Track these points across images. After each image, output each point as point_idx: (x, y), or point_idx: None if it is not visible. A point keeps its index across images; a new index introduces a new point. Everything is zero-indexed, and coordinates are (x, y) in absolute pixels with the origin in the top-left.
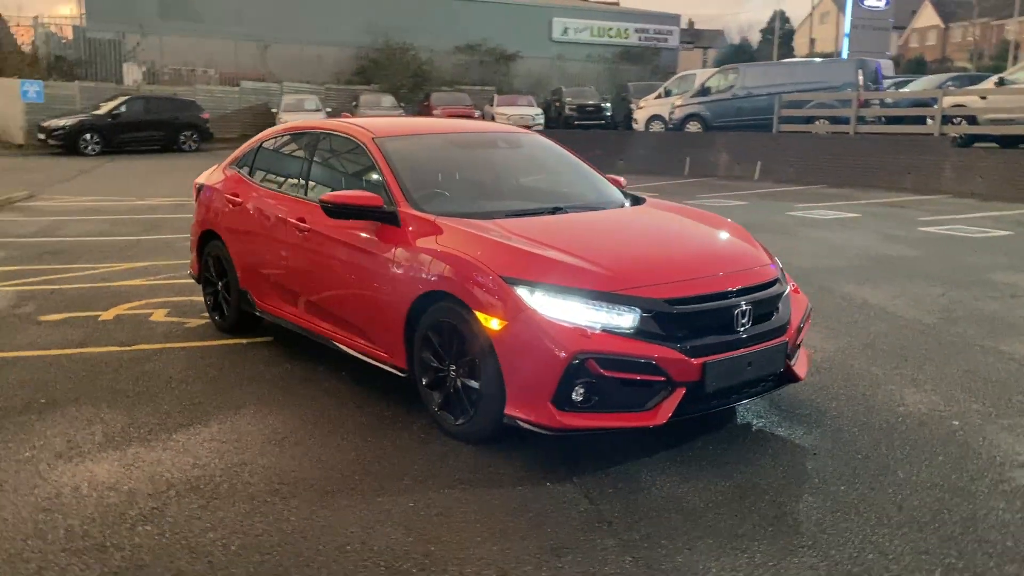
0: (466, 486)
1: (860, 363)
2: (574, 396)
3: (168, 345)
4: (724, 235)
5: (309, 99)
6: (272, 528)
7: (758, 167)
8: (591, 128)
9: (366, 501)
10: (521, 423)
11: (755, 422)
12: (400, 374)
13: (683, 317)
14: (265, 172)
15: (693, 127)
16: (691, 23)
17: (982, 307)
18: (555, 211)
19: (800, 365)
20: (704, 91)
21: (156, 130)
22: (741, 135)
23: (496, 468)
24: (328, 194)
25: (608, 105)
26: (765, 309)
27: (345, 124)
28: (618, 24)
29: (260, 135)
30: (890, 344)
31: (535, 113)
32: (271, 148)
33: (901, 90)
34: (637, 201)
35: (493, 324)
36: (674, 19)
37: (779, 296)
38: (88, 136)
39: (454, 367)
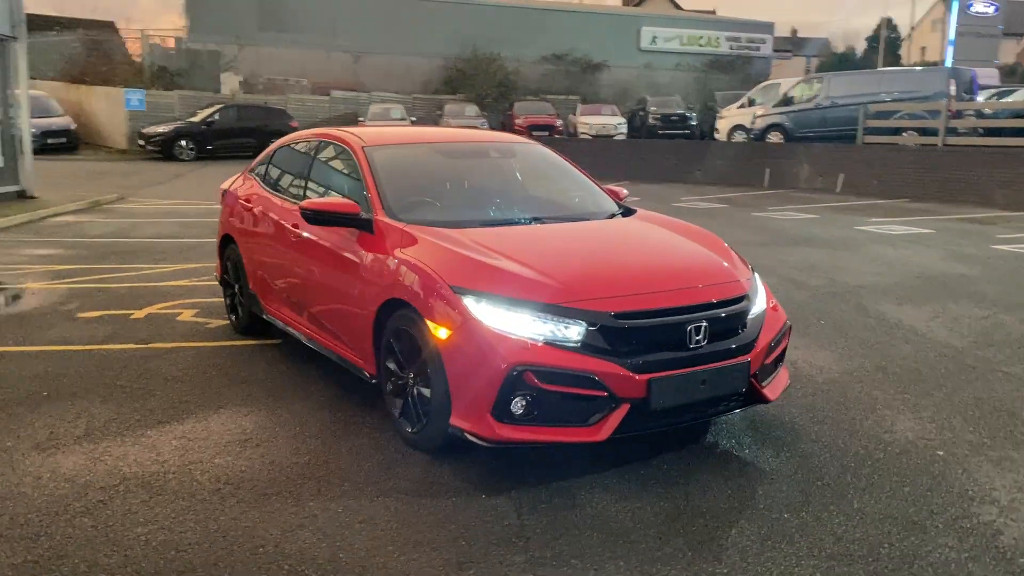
0: (401, 495)
1: (864, 386)
2: (513, 408)
3: (182, 344)
4: (697, 250)
5: (395, 108)
6: (199, 526)
7: (840, 179)
8: (676, 137)
9: (298, 504)
10: (465, 434)
11: (723, 442)
12: (371, 380)
13: (630, 332)
14: (272, 178)
15: (774, 137)
16: (794, 31)
17: None
18: (532, 221)
19: (774, 386)
20: (787, 101)
21: (247, 137)
22: (824, 146)
23: (439, 478)
24: (307, 201)
25: (693, 115)
26: (725, 326)
27: (342, 132)
28: (708, 32)
29: (277, 142)
30: (905, 367)
31: (618, 122)
32: (281, 155)
33: (1002, 100)
34: (628, 213)
35: (441, 333)
36: (767, 27)
37: (744, 313)
38: (183, 142)
39: (412, 375)
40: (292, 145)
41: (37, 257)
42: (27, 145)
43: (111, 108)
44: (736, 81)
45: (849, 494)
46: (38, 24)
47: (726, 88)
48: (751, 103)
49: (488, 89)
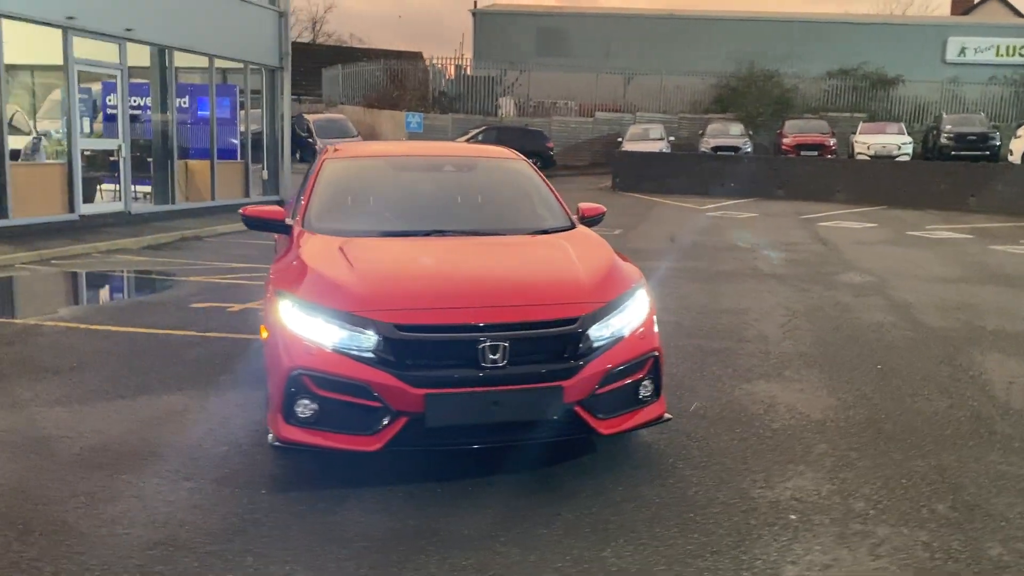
0: (201, 480)
1: (819, 438)
2: (299, 411)
3: (232, 335)
4: (556, 270)
5: (654, 128)
6: (23, 482)
7: None
8: (977, 159)
9: (110, 476)
10: (268, 432)
11: (560, 474)
12: None
13: (412, 344)
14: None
15: None
16: None
17: None
18: (435, 234)
19: (618, 420)
20: None
21: None
22: None
23: (252, 470)
24: (245, 207)
25: (997, 134)
26: (539, 348)
27: (332, 146)
28: None
29: None
30: (904, 424)
31: (902, 142)
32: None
33: None
34: (571, 229)
35: (264, 335)
36: None
37: (569, 337)
38: None
39: None
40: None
41: (233, 255)
42: (287, 160)
43: (395, 130)
44: None
45: (611, 544)
46: (351, 56)
47: None
48: None
49: (761, 107)
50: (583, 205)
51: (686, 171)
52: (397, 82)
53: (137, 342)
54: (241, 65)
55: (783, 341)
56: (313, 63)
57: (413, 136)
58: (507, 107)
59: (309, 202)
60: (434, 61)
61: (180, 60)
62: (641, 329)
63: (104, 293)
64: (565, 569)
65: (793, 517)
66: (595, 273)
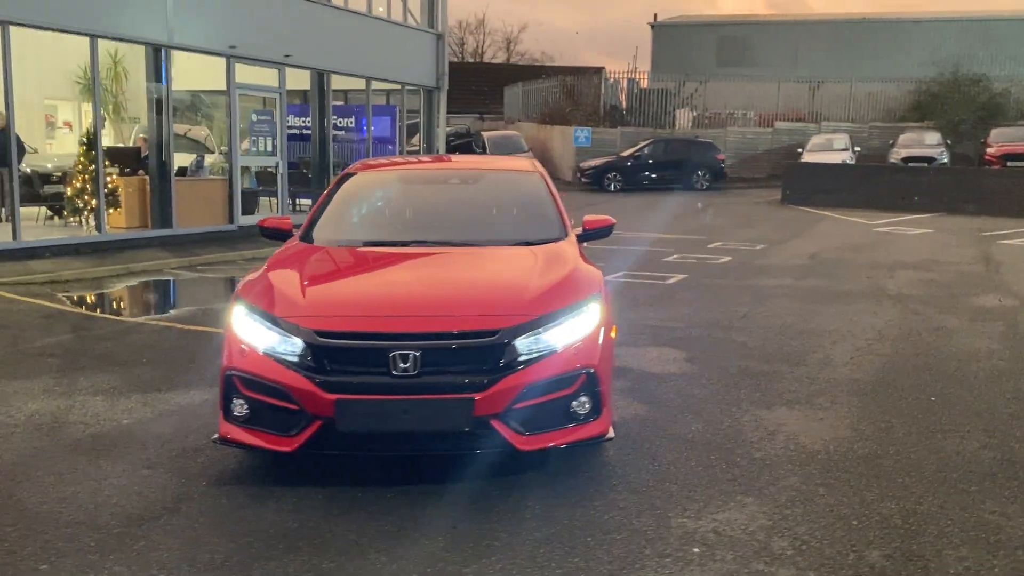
0: (155, 469)
1: (793, 471)
2: (234, 410)
3: None
4: (494, 280)
5: (838, 139)
6: (18, 457)
7: None
8: None
9: (92, 462)
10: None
11: (494, 490)
12: None
13: (330, 351)
14: None
15: None
16: None
17: None
18: (409, 244)
19: (544, 436)
20: None
21: (670, 170)
22: None
23: (207, 463)
24: (266, 218)
25: None
26: (450, 359)
27: (367, 160)
28: None
29: None
30: (909, 463)
31: None
32: None
33: None
34: (557, 241)
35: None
36: None
37: (477, 349)
38: (612, 175)
39: None
40: None
41: None
42: None
43: (563, 144)
44: None
45: (482, 560)
46: (534, 74)
47: None
48: None
49: (964, 114)
50: (588, 217)
51: (866, 184)
52: (571, 98)
53: (210, 342)
54: (398, 86)
55: (843, 366)
56: (500, 82)
57: (581, 150)
58: (683, 119)
59: (315, 214)
60: (607, 76)
61: (344, 82)
62: (578, 344)
63: (220, 296)
64: None
65: (696, 550)
66: (541, 286)
